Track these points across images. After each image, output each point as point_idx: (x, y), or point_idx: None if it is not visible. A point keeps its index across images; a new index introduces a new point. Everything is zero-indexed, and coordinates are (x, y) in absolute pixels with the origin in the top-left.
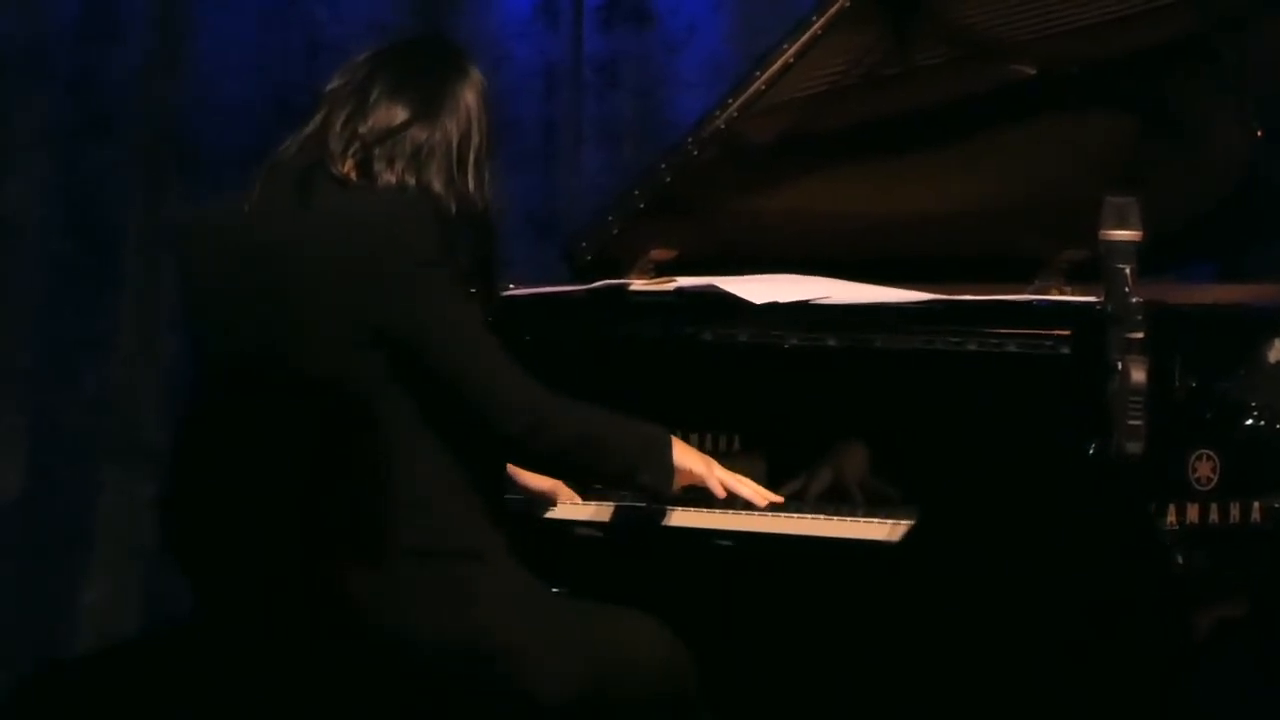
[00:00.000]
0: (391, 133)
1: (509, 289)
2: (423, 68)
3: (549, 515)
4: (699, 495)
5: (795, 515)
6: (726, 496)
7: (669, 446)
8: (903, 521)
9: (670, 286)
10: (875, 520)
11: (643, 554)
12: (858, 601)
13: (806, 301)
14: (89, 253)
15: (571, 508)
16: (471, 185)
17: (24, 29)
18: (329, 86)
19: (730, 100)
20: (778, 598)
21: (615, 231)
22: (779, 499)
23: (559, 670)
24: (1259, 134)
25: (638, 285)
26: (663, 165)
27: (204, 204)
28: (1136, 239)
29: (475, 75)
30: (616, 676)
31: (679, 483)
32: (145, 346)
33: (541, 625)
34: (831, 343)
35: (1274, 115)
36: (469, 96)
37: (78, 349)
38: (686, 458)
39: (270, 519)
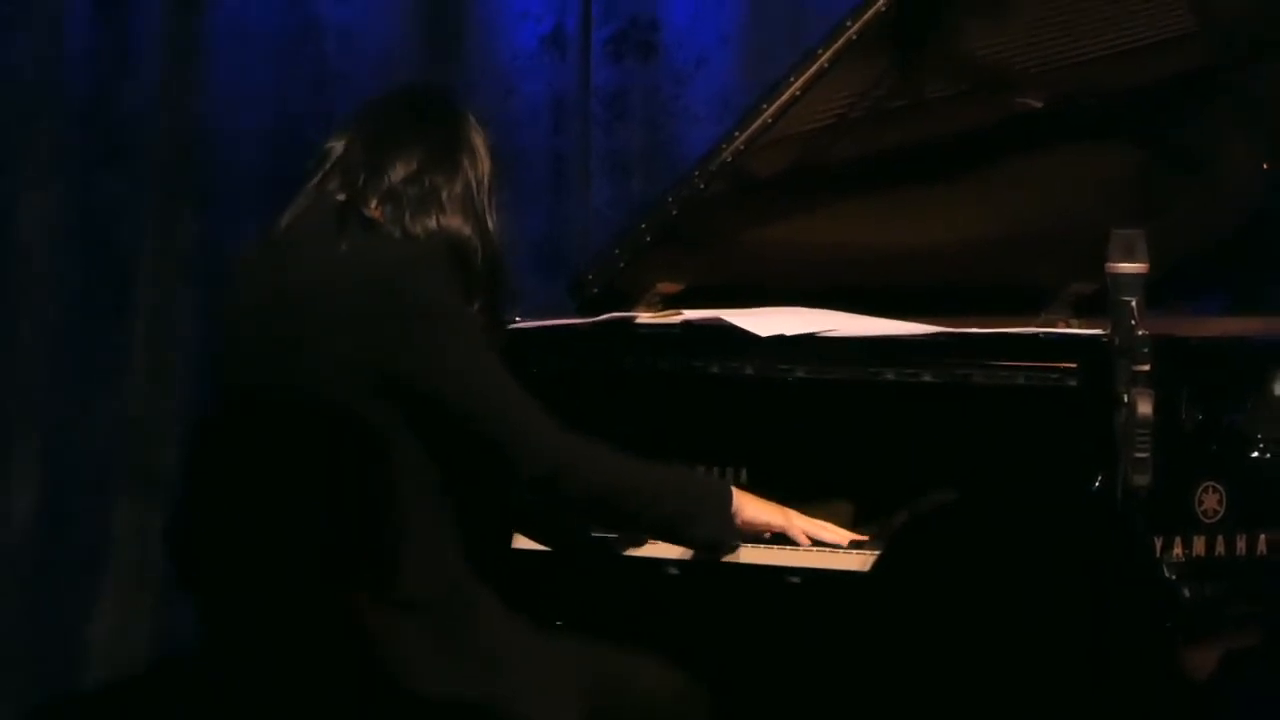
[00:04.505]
0: (414, 178)
1: (515, 321)
2: (429, 114)
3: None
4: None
5: (787, 548)
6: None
7: (728, 500)
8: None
9: (677, 319)
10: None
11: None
12: (858, 631)
13: (813, 334)
14: (102, 281)
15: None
16: (491, 225)
17: (38, 58)
18: (330, 143)
19: (737, 133)
20: (771, 621)
21: (622, 264)
22: (862, 538)
23: (559, 716)
24: (1268, 167)
25: (644, 318)
26: (669, 198)
27: (219, 236)
28: (1143, 271)
29: (473, 118)
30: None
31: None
32: (158, 375)
33: (539, 672)
34: (838, 375)
35: None
36: (475, 138)
37: (91, 377)
38: (761, 512)
39: (274, 555)
